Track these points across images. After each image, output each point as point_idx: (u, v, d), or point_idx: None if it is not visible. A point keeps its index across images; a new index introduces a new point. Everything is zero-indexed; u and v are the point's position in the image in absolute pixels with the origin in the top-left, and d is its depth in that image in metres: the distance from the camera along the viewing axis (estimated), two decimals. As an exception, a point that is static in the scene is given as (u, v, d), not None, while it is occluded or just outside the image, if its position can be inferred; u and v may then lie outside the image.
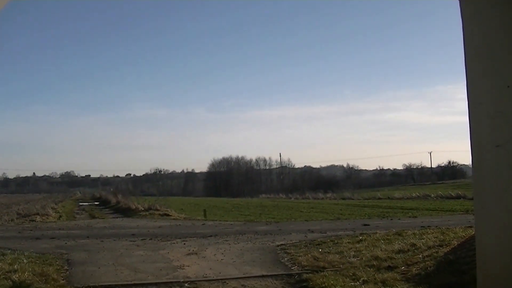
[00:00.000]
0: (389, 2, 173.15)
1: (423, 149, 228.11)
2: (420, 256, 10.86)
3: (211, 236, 18.75)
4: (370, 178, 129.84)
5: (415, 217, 26.98)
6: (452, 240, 12.59)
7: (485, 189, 6.48)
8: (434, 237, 13.99)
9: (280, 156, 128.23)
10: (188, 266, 11.99)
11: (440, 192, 57.32)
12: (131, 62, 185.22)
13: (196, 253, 14.09)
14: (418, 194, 58.39)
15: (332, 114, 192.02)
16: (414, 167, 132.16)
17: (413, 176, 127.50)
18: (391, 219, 25.34)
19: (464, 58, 6.92)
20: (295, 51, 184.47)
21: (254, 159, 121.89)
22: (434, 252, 10.82)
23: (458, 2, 6.84)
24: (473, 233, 11.56)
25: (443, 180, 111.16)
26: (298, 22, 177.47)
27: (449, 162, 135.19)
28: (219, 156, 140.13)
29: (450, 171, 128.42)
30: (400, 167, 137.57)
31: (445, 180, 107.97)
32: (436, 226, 18.39)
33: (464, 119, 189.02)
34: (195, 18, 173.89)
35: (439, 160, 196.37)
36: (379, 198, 58.18)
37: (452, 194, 54.75)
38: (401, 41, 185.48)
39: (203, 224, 24.86)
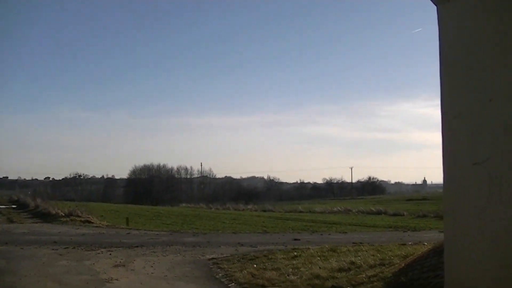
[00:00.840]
0: (317, 19, 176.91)
1: (344, 164, 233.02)
2: (364, 275, 10.49)
3: (137, 246, 18.01)
4: (290, 190, 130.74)
5: (345, 232, 26.95)
6: (393, 258, 12.36)
7: (459, 210, 6.06)
8: (372, 255, 13.77)
9: (202, 165, 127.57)
10: (117, 279, 11.19)
11: (361, 207, 58.12)
12: (55, 62, 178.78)
13: (124, 265, 13.28)
14: (339, 209, 58.92)
15: (254, 125, 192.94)
16: (335, 182, 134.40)
17: (333, 190, 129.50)
18: (321, 234, 25.19)
19: (440, 68, 6.49)
20: (221, 60, 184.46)
21: (175, 168, 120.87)
22: (379, 272, 10.47)
23: (435, 8, 6.44)
24: (419, 253, 11.36)
25: (363, 195, 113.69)
26: (227, 32, 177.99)
27: (369, 177, 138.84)
28: (140, 163, 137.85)
29: (370, 187, 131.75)
30: (320, 181, 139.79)
31: (365, 196, 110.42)
32: (368, 243, 18.31)
33: (385, 135, 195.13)
34: (123, 22, 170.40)
35: (359, 175, 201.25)
36: (301, 211, 58.23)
37: (373, 209, 55.54)
38: (327, 57, 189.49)
39: (127, 233, 24.06)
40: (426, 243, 17.78)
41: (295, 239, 21.26)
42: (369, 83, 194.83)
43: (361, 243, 18.61)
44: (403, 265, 10.06)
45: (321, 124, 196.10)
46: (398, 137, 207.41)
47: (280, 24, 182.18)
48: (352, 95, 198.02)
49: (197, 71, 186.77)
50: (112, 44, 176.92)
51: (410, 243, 18.04)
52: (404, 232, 26.47)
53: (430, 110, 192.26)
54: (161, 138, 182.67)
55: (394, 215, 48.20)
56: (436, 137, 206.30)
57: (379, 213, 52.05)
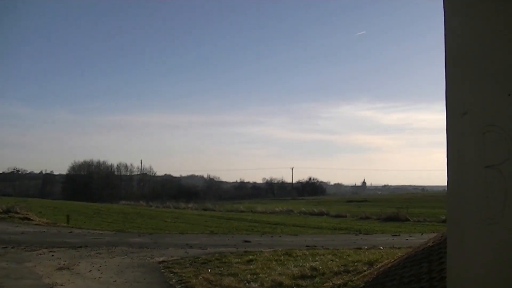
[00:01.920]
0: (255, 19, 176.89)
1: (285, 165, 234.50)
2: (331, 284, 9.84)
3: (81, 247, 16.96)
4: (230, 190, 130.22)
5: (296, 234, 26.42)
6: (356, 264, 11.78)
7: (467, 220, 5.31)
8: (330, 260, 13.23)
9: (141, 163, 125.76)
10: (62, 285, 10.19)
11: (303, 208, 58.00)
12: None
13: (68, 268, 12.24)
14: (281, 209, 58.67)
15: (195, 124, 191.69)
16: (275, 182, 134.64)
17: (273, 190, 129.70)
18: (272, 236, 24.50)
19: (445, 59, 5.75)
20: (162, 59, 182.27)
21: (115, 164, 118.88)
22: (347, 280, 9.82)
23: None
24: (387, 260, 10.82)
25: (303, 195, 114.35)
26: (168, 32, 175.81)
27: (310, 178, 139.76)
28: (80, 159, 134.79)
29: (310, 187, 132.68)
30: (260, 181, 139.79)
31: (305, 196, 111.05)
32: (322, 246, 17.79)
33: (326, 137, 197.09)
34: (62, 18, 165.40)
35: (299, 176, 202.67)
36: (242, 211, 57.86)
37: (315, 210, 55.49)
38: (267, 57, 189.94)
39: (70, 232, 22.87)
40: (381, 247, 17.43)
41: (246, 241, 20.52)
42: (310, 85, 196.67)
43: (314, 246, 18.06)
44: (375, 274, 9.43)
45: (262, 125, 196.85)
46: (338, 139, 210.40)
47: (219, 23, 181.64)
48: (292, 97, 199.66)
49: (138, 70, 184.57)
50: (53, 41, 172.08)
51: (365, 247, 17.60)
52: (356, 235, 26.15)
53: (371, 113, 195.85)
54: (102, 135, 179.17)
55: (337, 216, 48.21)
56: (376, 140, 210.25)
57: (321, 214, 52.02)
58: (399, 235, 25.85)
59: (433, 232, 27.36)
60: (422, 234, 25.76)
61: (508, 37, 5.06)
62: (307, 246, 18.05)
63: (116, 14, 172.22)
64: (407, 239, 22.47)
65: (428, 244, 9.23)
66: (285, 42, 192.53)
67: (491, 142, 5.02)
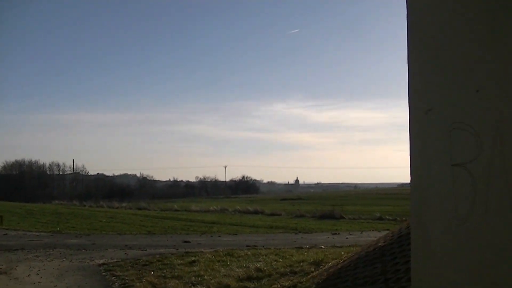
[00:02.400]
0: (195, 18, 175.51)
1: (218, 163, 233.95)
2: (279, 286, 9.57)
3: (17, 249, 16.36)
4: (164, 188, 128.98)
5: (235, 234, 26.15)
6: (301, 265, 11.58)
7: (431, 219, 5.09)
8: (274, 260, 13.04)
9: (74, 162, 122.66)
10: (-1, 292, 9.54)
11: (238, 207, 57.84)
12: None
13: (6, 273, 11.66)
14: (215, 208, 58.35)
15: (127, 122, 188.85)
16: (208, 180, 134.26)
17: (207, 188, 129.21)
18: (211, 236, 24.17)
19: (408, 53, 5.49)
20: (95, 57, 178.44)
21: (47, 164, 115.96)
22: (296, 282, 9.60)
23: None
24: (335, 261, 10.64)
25: (236, 194, 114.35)
26: (104, 31, 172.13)
27: (243, 176, 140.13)
28: (11, 158, 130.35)
29: (243, 186, 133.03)
30: (193, 179, 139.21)
31: (239, 194, 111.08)
32: (263, 246, 17.55)
33: (259, 135, 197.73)
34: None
35: (233, 174, 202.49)
36: (176, 210, 57.36)
37: (250, 209, 55.39)
38: (200, 56, 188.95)
39: (5, 234, 22.14)
40: (323, 246, 17.36)
41: (185, 241, 20.11)
42: (242, 83, 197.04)
43: (255, 246, 17.80)
44: (325, 275, 9.22)
45: (195, 123, 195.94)
46: (271, 137, 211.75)
47: (152, 21, 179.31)
48: (225, 95, 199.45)
49: (70, 68, 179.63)
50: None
51: (307, 246, 17.48)
52: (295, 234, 26.08)
53: (303, 111, 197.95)
54: (33, 134, 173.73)
55: (272, 215, 48.27)
56: (308, 138, 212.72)
57: (256, 212, 51.96)
58: (338, 233, 25.99)
59: (372, 230, 27.81)
60: (361, 232, 25.96)
61: (477, 28, 4.83)
62: (247, 246, 17.80)
63: (48, 15, 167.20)
64: (347, 238, 22.59)
65: (379, 243, 9.10)
66: (218, 40, 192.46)
67: (458, 140, 4.79)
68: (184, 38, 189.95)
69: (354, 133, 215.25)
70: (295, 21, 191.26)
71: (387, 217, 39.34)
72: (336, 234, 25.36)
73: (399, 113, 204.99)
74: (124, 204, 65.56)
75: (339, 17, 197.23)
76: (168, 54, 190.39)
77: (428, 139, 5.06)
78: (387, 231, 24.85)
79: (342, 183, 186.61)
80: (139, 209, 58.76)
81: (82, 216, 39.01)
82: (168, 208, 60.06)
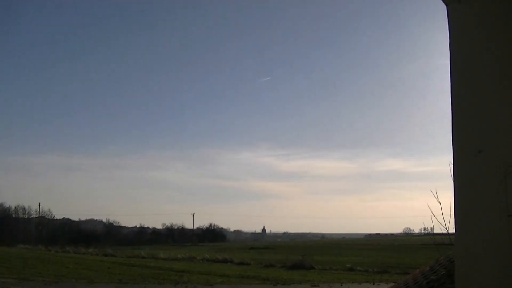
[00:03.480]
0: (151, 58, 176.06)
1: (185, 210, 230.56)
2: None
3: None
4: (130, 234, 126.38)
5: (211, 285, 24.99)
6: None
7: (479, 276, 4.34)
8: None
9: (40, 205, 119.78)
10: None
11: (206, 255, 56.45)
12: None
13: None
14: (183, 256, 56.83)
15: (95, 167, 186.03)
16: (175, 227, 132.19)
17: (173, 236, 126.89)
18: (186, 286, 22.94)
19: (451, 84, 4.83)
20: (60, 101, 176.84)
21: (13, 207, 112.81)
22: None
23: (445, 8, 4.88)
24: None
25: (203, 242, 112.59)
26: (69, 73, 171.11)
27: (210, 224, 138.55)
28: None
29: (210, 234, 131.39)
30: (159, 226, 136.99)
31: (206, 242, 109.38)
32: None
33: (226, 183, 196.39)
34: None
35: (200, 222, 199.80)
36: (144, 257, 55.66)
37: (219, 257, 54.06)
38: (165, 101, 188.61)
39: None
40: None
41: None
42: (210, 130, 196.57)
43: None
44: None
45: (162, 170, 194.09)
46: (238, 185, 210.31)
47: (119, 69, 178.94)
48: (193, 142, 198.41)
49: (36, 111, 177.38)
50: None
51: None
52: (274, 286, 25.06)
53: (271, 160, 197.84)
54: None
55: (241, 264, 47.06)
56: (275, 186, 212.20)
57: (225, 261, 50.73)
58: (318, 285, 25.06)
59: (351, 282, 26.95)
60: (341, 284, 25.07)
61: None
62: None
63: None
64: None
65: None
66: (185, 85, 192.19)
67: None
68: (149, 83, 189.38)
69: (321, 183, 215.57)
70: (268, 68, 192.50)
71: (358, 268, 38.47)
72: (315, 286, 24.41)
73: (366, 164, 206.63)
74: (90, 250, 63.82)
75: (305, 65, 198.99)
76: (135, 100, 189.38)
77: (478, 186, 4.36)
78: (371, 284, 23.95)
79: (309, 233, 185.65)
80: (106, 255, 57.11)
81: (48, 262, 37.64)
82: (135, 255, 58.38)
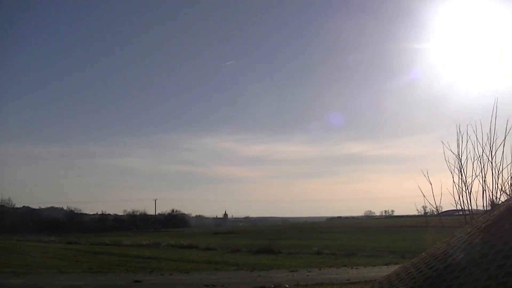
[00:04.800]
0: (122, 48, 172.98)
1: (147, 196, 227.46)
2: None
3: None
4: (92, 222, 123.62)
5: (187, 272, 24.16)
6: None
7: None
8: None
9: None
10: None
11: (171, 241, 55.55)
12: None
13: None
14: (148, 242, 55.80)
15: (54, 154, 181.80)
16: (137, 214, 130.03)
17: (136, 222, 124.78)
18: (162, 275, 22.07)
19: None
20: (21, 89, 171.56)
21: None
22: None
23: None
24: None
25: (166, 228, 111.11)
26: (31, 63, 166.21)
27: (172, 210, 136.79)
28: None
29: (173, 219, 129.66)
30: (121, 213, 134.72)
31: (168, 228, 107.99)
32: (222, 286, 15.78)
33: (188, 169, 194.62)
34: None
35: (162, 208, 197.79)
36: (107, 244, 54.49)
37: (184, 243, 53.25)
38: (126, 88, 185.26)
39: None
40: (287, 286, 15.83)
41: (136, 281, 18.09)
42: (172, 116, 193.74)
43: (213, 285, 15.98)
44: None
45: (123, 156, 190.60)
46: (200, 171, 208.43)
47: (82, 56, 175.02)
48: (154, 128, 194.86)
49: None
50: None
51: (271, 286, 15.81)
52: (251, 271, 24.30)
53: (232, 144, 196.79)
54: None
55: (207, 249, 46.48)
56: (237, 171, 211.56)
57: (190, 247, 50.12)
58: (297, 270, 24.44)
59: (330, 267, 26.45)
60: (320, 269, 24.57)
61: None
62: (205, 286, 15.94)
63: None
64: (307, 275, 21.06)
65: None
66: (146, 70, 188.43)
67: None
68: (111, 70, 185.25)
69: (282, 167, 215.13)
70: (231, 52, 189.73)
71: (325, 251, 38.19)
72: (294, 271, 23.78)
73: (328, 147, 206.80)
74: (52, 238, 62.06)
75: (268, 50, 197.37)
76: (95, 85, 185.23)
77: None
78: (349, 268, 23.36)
79: (270, 217, 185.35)
80: (69, 243, 55.83)
81: (12, 251, 36.54)
82: (98, 242, 57.46)
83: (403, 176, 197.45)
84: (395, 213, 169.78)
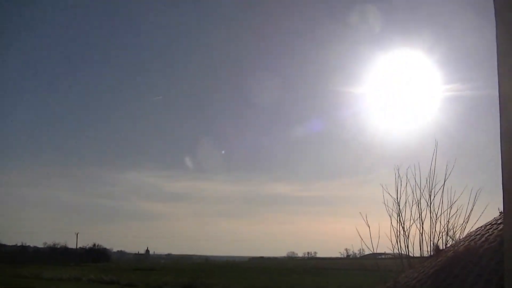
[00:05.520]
0: (58, 74, 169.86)
1: (69, 229, 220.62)
2: None
3: None
4: (11, 253, 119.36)
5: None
6: None
7: None
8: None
9: None
10: None
11: (92, 276, 55.11)
12: None
13: None
14: (69, 276, 55.18)
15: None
16: (58, 246, 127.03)
17: (56, 255, 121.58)
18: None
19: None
20: None
21: None
22: None
23: None
24: None
25: (87, 262, 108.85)
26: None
27: (94, 244, 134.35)
28: None
29: (94, 254, 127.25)
30: (41, 245, 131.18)
31: (89, 263, 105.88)
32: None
33: (110, 203, 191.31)
34: None
35: (84, 241, 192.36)
36: (27, 277, 53.39)
37: (105, 278, 53.06)
38: (46, 118, 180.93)
39: None
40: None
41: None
42: (96, 148, 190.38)
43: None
44: None
45: (46, 187, 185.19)
46: (123, 205, 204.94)
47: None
48: (78, 160, 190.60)
49: None
50: None
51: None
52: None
53: (157, 180, 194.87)
54: None
55: (129, 285, 46.53)
56: (160, 207, 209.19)
57: (112, 282, 50.13)
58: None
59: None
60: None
61: None
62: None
63: None
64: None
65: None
66: (71, 101, 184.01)
67: None
68: (36, 98, 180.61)
69: (206, 205, 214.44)
70: (160, 87, 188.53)
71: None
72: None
73: (252, 187, 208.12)
74: (-30, 269, 59.94)
75: (198, 88, 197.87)
76: (18, 115, 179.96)
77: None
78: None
79: (193, 255, 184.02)
80: (-11, 275, 54.05)
81: None
82: (17, 274, 55.92)
83: (326, 218, 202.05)
84: (318, 255, 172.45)
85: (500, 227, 6.88)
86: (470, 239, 7.48)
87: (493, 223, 7.49)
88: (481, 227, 7.90)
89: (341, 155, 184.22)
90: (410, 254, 9.57)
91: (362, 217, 9.89)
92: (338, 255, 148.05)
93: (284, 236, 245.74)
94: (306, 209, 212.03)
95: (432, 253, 9.01)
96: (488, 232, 7.17)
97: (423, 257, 9.18)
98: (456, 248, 7.61)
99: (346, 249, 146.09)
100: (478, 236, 7.32)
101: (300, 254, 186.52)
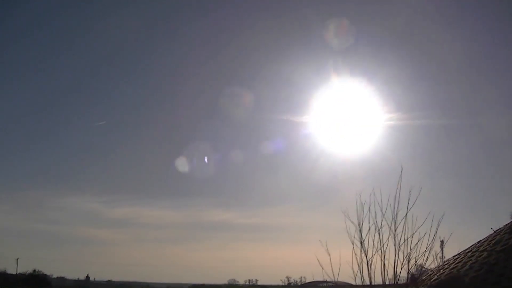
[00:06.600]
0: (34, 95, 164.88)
1: (8, 254, 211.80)
2: None
3: None
4: None
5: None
6: None
7: None
8: None
9: None
10: None
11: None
12: None
13: None
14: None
15: None
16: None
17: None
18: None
19: None
20: None
21: None
22: None
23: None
24: None
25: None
26: None
27: (34, 270, 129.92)
28: None
29: (34, 280, 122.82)
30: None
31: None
32: None
33: (51, 228, 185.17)
34: None
35: (24, 267, 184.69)
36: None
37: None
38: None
39: None
40: None
41: None
42: (36, 172, 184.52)
43: None
44: None
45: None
46: (64, 231, 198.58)
47: None
48: (16, 184, 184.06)
49: None
50: None
51: None
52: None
53: (98, 206, 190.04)
54: None
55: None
56: (100, 233, 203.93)
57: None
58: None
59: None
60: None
61: None
62: None
63: None
64: None
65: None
66: (11, 123, 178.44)
67: None
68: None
69: (147, 231, 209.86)
70: (103, 112, 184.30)
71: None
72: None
73: (193, 213, 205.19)
74: None
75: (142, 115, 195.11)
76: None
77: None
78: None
79: (134, 282, 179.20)
80: None
81: None
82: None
83: (267, 245, 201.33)
84: (259, 282, 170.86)
85: (484, 255, 6.82)
86: (450, 267, 7.41)
87: (473, 250, 7.42)
88: (459, 254, 7.85)
89: (283, 182, 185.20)
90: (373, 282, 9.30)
91: (322, 244, 9.84)
92: (279, 283, 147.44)
93: (225, 263, 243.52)
94: (247, 236, 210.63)
95: (405, 281, 8.80)
96: (471, 260, 7.09)
97: (386, 285, 8.96)
98: (437, 275, 7.51)
99: (287, 277, 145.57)
100: (459, 264, 7.23)
101: (241, 282, 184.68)
